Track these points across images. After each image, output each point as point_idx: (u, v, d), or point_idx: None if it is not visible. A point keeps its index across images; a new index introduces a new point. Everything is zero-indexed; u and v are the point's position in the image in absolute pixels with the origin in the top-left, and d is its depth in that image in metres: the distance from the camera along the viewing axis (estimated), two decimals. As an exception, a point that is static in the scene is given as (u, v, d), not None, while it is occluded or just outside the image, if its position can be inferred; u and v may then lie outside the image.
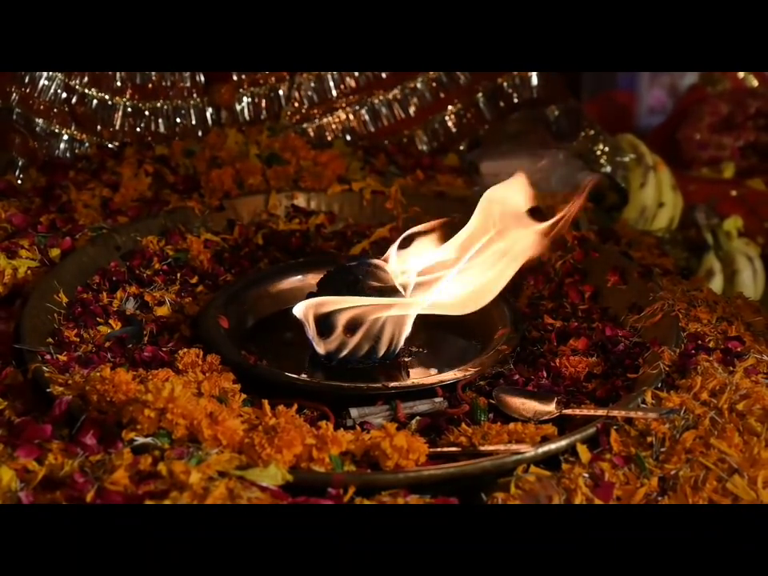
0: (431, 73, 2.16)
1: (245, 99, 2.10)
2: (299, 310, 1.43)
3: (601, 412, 1.28)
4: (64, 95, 2.00)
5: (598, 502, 1.13)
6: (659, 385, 1.33)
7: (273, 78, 2.11)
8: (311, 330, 1.43)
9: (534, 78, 2.21)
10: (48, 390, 1.26)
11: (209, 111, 2.08)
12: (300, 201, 1.84)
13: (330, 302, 1.41)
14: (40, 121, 1.98)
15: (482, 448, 1.23)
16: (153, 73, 2.05)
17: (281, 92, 2.12)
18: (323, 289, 1.45)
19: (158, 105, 2.05)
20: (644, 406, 1.28)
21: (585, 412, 1.30)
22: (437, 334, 1.54)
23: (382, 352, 1.44)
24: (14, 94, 1.97)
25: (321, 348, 1.43)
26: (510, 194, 1.44)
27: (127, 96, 2.04)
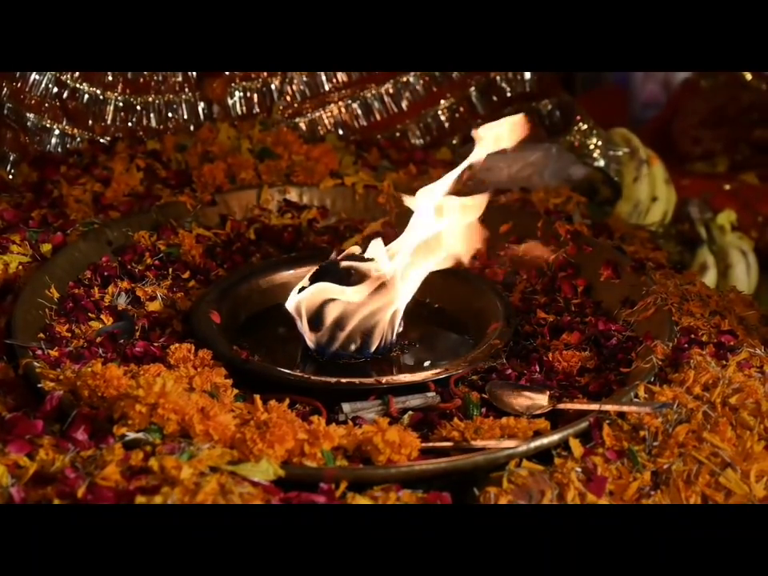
0: (424, 67, 2.16)
1: (237, 94, 2.09)
2: (291, 303, 1.43)
3: (593, 406, 1.27)
4: (55, 90, 1.99)
5: (590, 496, 1.12)
6: (652, 379, 1.33)
7: (265, 73, 2.11)
8: (302, 324, 1.43)
9: (527, 72, 2.21)
10: (39, 386, 1.25)
11: (201, 106, 2.07)
12: (292, 195, 1.83)
13: (324, 292, 1.41)
14: (31, 116, 1.98)
15: (474, 443, 1.23)
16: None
17: (273, 86, 2.11)
18: (314, 283, 1.45)
19: (150, 99, 2.04)
20: (637, 400, 1.28)
21: (577, 406, 1.30)
22: (429, 329, 1.54)
23: (374, 346, 1.44)
24: (5, 89, 1.96)
25: (312, 341, 1.43)
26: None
27: (119, 91, 2.03)
